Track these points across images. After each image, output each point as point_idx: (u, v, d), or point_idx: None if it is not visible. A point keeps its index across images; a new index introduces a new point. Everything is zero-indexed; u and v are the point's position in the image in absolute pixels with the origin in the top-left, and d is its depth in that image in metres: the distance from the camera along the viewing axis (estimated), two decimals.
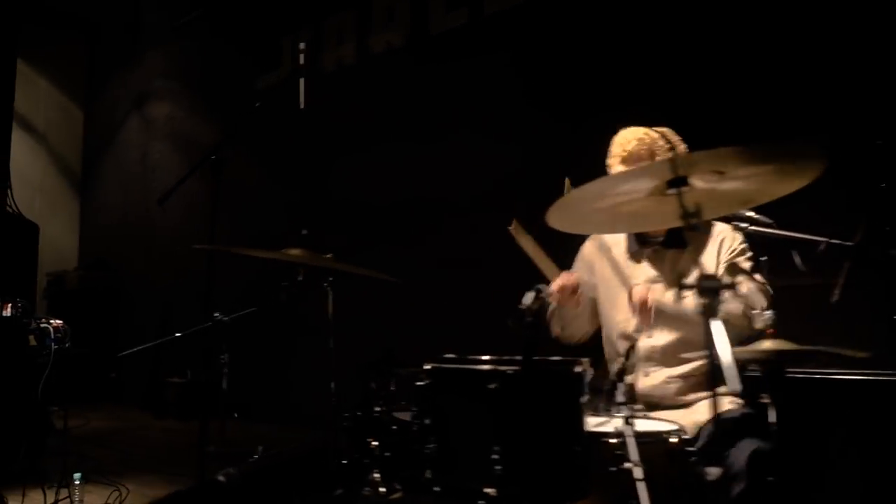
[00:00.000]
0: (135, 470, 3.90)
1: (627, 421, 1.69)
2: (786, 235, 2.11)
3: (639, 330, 2.30)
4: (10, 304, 3.60)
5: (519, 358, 1.73)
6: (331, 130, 5.39)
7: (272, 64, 6.19)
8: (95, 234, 8.21)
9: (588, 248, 2.56)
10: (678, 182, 1.52)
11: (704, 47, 3.65)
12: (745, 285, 2.09)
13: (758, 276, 2.17)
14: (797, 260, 2.08)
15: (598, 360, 2.38)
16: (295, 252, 2.47)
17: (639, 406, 1.89)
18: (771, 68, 3.42)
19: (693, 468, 1.77)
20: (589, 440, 1.72)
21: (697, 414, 2.14)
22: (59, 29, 8.12)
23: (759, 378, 1.87)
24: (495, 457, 1.68)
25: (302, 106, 2.79)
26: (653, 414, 2.02)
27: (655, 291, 2.24)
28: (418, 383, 1.86)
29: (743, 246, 2.26)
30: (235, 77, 6.46)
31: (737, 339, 1.90)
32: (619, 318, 2.39)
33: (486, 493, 1.68)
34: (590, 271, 2.50)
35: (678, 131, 2.37)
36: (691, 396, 2.24)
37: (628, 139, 2.33)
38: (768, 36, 3.47)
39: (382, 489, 1.94)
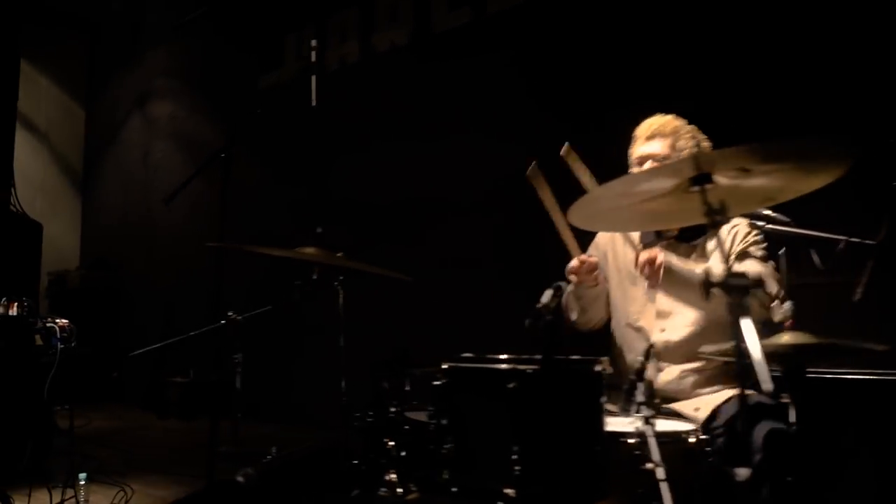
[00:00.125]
0: (139, 470, 3.88)
1: (648, 421, 1.67)
2: (804, 234, 2.10)
3: (652, 288, 2.30)
4: (16, 304, 3.58)
5: (538, 357, 1.72)
6: (334, 129, 5.37)
7: (275, 63, 6.18)
8: (97, 234, 8.19)
9: (602, 237, 2.56)
10: (702, 179, 1.51)
11: (713, 44, 3.62)
12: (755, 268, 2.09)
13: (771, 263, 2.17)
14: (816, 258, 2.07)
15: (600, 353, 2.36)
16: (310, 250, 2.44)
17: (657, 401, 1.88)
18: (779, 66, 3.40)
19: (711, 469, 1.76)
20: (608, 440, 1.71)
21: (714, 401, 2.14)
22: (60, 28, 8.11)
23: (779, 377, 1.85)
24: (514, 457, 1.66)
25: (314, 104, 2.78)
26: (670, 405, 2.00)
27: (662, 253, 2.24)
28: (435, 383, 1.84)
29: (757, 238, 2.25)
30: (237, 76, 6.44)
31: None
32: (632, 308, 2.39)
33: (505, 494, 1.66)
34: (603, 260, 2.50)
35: None
36: (707, 389, 2.23)
37: (652, 121, 2.37)
38: (769, 35, 3.45)
39: (399, 490, 1.92)
